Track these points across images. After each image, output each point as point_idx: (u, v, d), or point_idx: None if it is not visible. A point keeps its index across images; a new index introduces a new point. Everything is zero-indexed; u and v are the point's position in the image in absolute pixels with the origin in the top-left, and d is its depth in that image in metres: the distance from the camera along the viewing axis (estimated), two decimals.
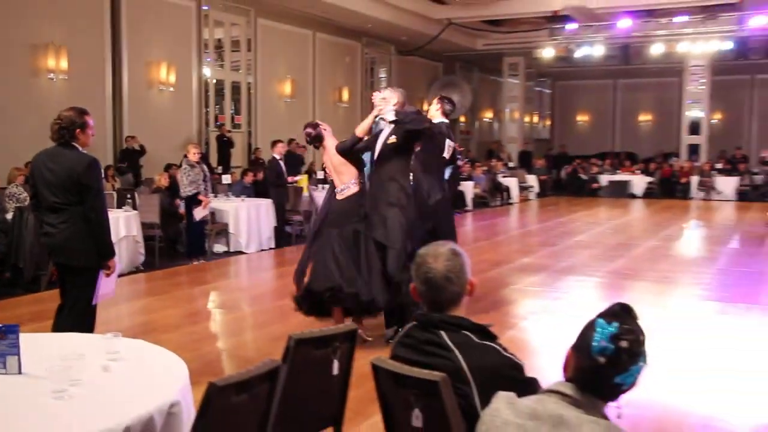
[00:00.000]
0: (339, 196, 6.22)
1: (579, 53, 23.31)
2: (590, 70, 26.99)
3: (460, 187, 18.82)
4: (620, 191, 24.25)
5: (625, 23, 21.69)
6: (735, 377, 5.55)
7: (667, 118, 27.34)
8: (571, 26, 22.42)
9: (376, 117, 6.25)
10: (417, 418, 2.41)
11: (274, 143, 12.70)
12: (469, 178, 19.97)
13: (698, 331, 7.06)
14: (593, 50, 23.01)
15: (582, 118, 30.63)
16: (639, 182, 24.55)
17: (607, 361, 1.87)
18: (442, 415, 2.27)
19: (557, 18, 21.61)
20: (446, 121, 7.18)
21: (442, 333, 2.42)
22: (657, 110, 28.70)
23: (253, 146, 16.95)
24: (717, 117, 27.11)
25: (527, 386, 2.27)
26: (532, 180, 23.90)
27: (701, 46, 22.49)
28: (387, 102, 6.15)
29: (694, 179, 23.78)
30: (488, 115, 29.42)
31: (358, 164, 6.32)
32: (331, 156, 6.29)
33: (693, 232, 16.19)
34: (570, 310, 7.82)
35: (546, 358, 5.74)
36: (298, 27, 18.43)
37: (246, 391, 2.47)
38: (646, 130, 29.22)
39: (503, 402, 1.95)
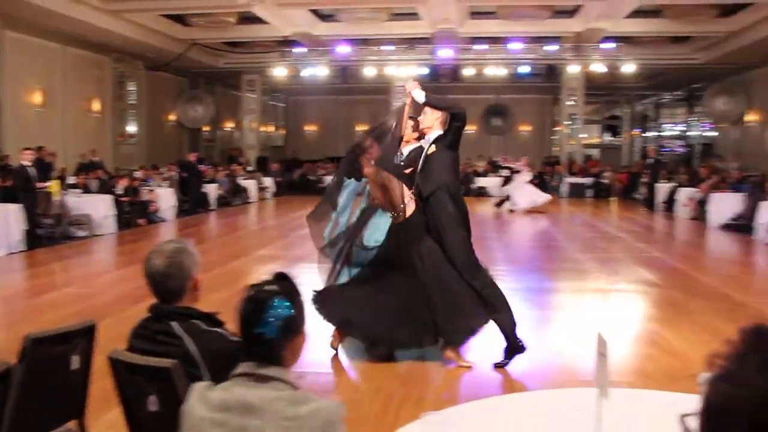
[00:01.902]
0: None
1: (306, 72, 23.67)
2: (317, 87, 27.43)
3: (204, 189, 18.60)
4: None
5: (343, 49, 22.42)
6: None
7: None
8: (299, 50, 22.74)
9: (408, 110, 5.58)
10: (153, 404, 2.33)
11: (22, 151, 11.77)
12: (213, 180, 19.76)
13: None
14: (318, 70, 23.53)
15: (311, 128, 31.19)
16: None
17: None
18: (176, 398, 2.20)
19: (288, 42, 21.85)
20: None
21: (173, 323, 2.35)
22: (372, 122, 29.72)
23: (2, 153, 15.45)
24: None
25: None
26: (268, 182, 23.92)
27: (404, 70, 23.73)
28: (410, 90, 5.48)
29: None
30: (230, 125, 29.13)
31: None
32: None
33: None
34: (302, 293, 7.91)
35: None
36: (48, 40, 17.05)
37: None
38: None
39: (196, 396, 1.84)
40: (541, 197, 18.23)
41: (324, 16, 20.18)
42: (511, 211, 18.09)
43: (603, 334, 1.59)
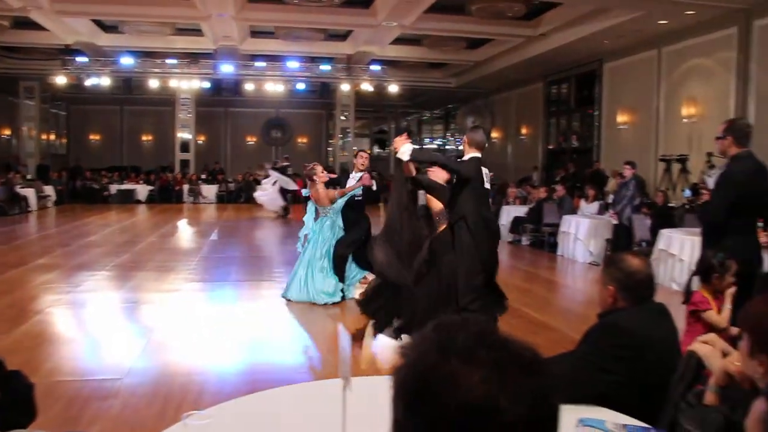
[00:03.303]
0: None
1: (89, 82, 22.11)
2: (100, 97, 25.81)
3: None
4: (127, 198, 23.71)
5: (127, 60, 21.31)
6: (212, 336, 5.81)
7: (164, 138, 27.35)
8: (81, 59, 21.23)
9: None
10: None
11: None
12: None
13: (188, 304, 7.26)
14: (101, 80, 22.09)
15: (94, 137, 29.15)
16: (142, 190, 24.27)
17: None
18: None
19: (69, 50, 20.31)
20: None
21: None
22: (156, 132, 28.54)
23: None
24: (201, 139, 27.95)
25: (9, 380, 2.09)
26: (49, 190, 22.04)
27: (187, 83, 23.06)
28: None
29: (186, 187, 24.31)
30: (6, 132, 26.39)
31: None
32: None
33: (184, 229, 16.47)
34: (81, 301, 7.43)
35: (60, 345, 5.39)
36: None
37: None
38: (148, 147, 28.91)
39: None
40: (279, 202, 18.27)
41: (107, 27, 19.03)
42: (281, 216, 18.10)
43: (343, 328, 1.68)
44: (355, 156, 8.47)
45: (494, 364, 0.86)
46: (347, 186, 7.70)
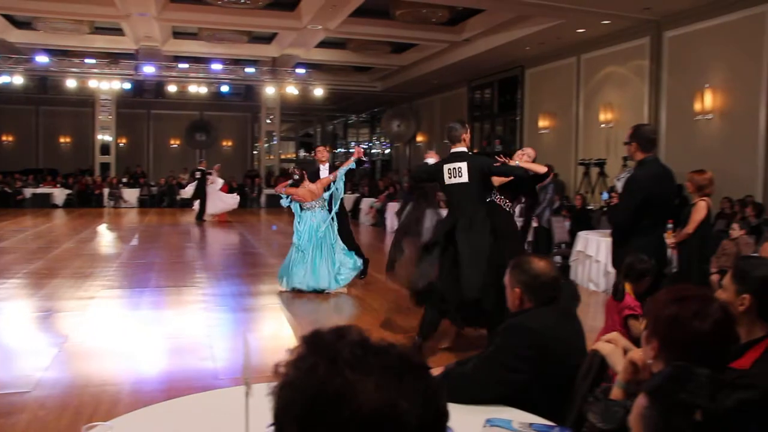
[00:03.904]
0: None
1: (0, 80, 21.18)
2: (13, 96, 24.73)
3: None
4: (43, 202, 22.80)
5: (42, 59, 20.51)
6: (130, 344, 5.64)
7: (83, 140, 26.45)
8: None
9: None
10: None
11: None
12: None
13: (105, 312, 7.03)
14: (14, 79, 21.17)
15: (7, 138, 27.87)
16: (60, 194, 23.37)
17: None
18: None
19: None
20: None
21: None
22: (75, 134, 27.53)
23: None
24: (123, 141, 27.18)
25: None
26: None
27: (108, 84, 22.37)
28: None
29: (106, 191, 23.58)
30: None
31: None
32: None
33: (103, 234, 15.95)
34: None
35: None
36: None
37: None
38: (66, 150, 27.86)
39: None
40: (230, 200, 18.09)
41: (19, 23, 18.27)
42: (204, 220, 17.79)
43: (247, 333, 1.66)
44: (314, 152, 9.22)
45: (385, 370, 0.86)
46: (323, 176, 8.28)
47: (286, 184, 8.41)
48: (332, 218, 8.23)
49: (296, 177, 8.24)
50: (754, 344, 2.15)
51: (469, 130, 5.54)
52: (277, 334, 6.55)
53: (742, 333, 2.23)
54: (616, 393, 1.88)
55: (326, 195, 8.20)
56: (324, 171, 8.42)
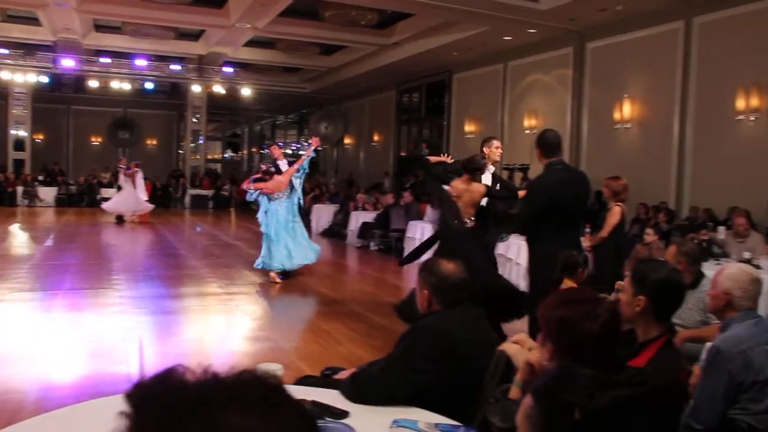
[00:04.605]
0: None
1: None
2: None
3: None
4: None
5: None
6: (39, 349, 5.43)
7: None
8: None
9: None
10: None
11: None
12: None
13: (14, 315, 6.75)
14: None
15: None
16: None
17: None
18: None
19: None
20: None
21: None
22: None
23: None
24: (39, 137, 26.13)
25: None
26: None
27: (22, 77, 21.49)
28: None
29: (20, 189, 22.59)
30: None
31: None
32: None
33: (16, 234, 15.29)
34: None
35: None
36: None
37: None
38: None
39: None
40: (143, 206, 17.41)
41: None
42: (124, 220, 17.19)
43: (142, 339, 1.63)
44: (270, 150, 9.82)
45: (263, 401, 0.79)
46: (286, 169, 8.97)
47: (251, 180, 9.13)
48: (299, 205, 9.16)
49: (272, 170, 8.98)
50: (649, 343, 2.25)
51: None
52: (200, 337, 6.43)
53: (639, 333, 2.33)
54: (514, 392, 1.93)
55: (296, 183, 9.03)
56: (284, 165, 9.06)
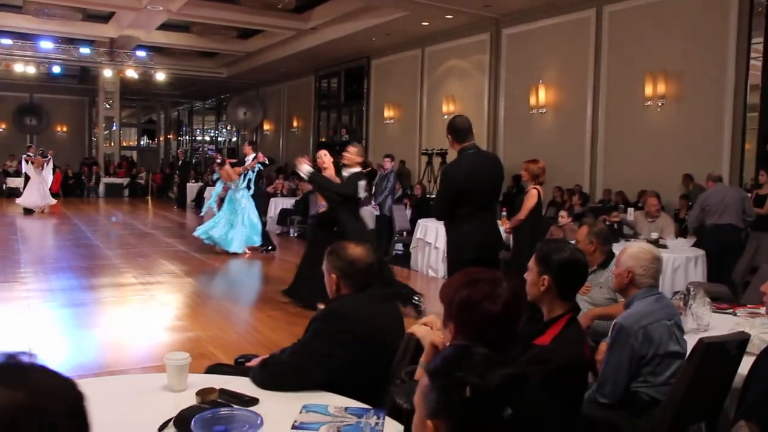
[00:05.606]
0: None
1: None
2: None
3: None
4: None
5: None
6: None
7: None
8: None
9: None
10: None
11: None
12: None
13: None
14: None
15: None
16: None
17: None
18: None
19: None
20: None
21: None
22: None
23: None
24: None
25: None
26: None
27: None
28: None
29: None
30: None
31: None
32: None
33: None
34: None
35: None
36: None
37: None
38: None
39: None
40: (47, 200, 16.65)
41: None
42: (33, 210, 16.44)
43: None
44: (242, 148, 11.41)
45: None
46: (246, 164, 10.32)
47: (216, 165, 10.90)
48: (250, 197, 10.42)
49: (218, 161, 10.63)
50: (554, 322, 2.32)
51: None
52: (114, 329, 6.24)
53: (544, 311, 2.39)
54: (419, 374, 1.95)
55: (241, 180, 10.38)
56: (249, 159, 10.40)
